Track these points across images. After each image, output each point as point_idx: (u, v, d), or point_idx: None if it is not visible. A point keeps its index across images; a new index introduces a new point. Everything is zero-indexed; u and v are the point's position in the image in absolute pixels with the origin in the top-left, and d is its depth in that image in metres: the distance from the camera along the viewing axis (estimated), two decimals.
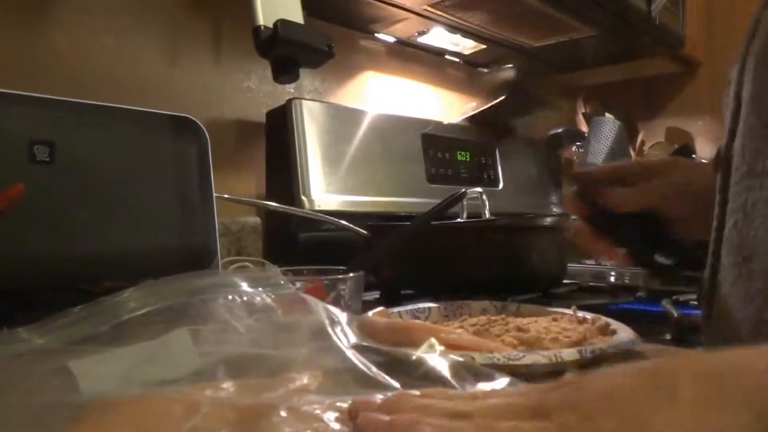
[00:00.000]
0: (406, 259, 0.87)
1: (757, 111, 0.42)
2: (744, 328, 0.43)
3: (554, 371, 0.49)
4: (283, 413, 0.33)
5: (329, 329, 0.44)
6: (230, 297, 0.46)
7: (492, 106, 1.34)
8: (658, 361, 0.29)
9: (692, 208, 0.59)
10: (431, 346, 0.46)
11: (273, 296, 0.48)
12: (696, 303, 0.69)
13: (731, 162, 0.47)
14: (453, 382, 0.40)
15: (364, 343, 0.46)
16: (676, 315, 0.69)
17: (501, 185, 1.43)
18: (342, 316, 0.48)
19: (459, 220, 1.01)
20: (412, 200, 1.18)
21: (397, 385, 0.39)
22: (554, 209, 1.57)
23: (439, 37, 1.36)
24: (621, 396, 0.26)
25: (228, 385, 0.37)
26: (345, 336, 0.45)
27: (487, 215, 1.05)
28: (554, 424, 0.26)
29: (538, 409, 0.28)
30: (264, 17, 0.78)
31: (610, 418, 0.25)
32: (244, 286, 0.48)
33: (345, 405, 0.34)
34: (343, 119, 1.14)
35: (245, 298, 0.46)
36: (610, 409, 0.26)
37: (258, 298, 0.47)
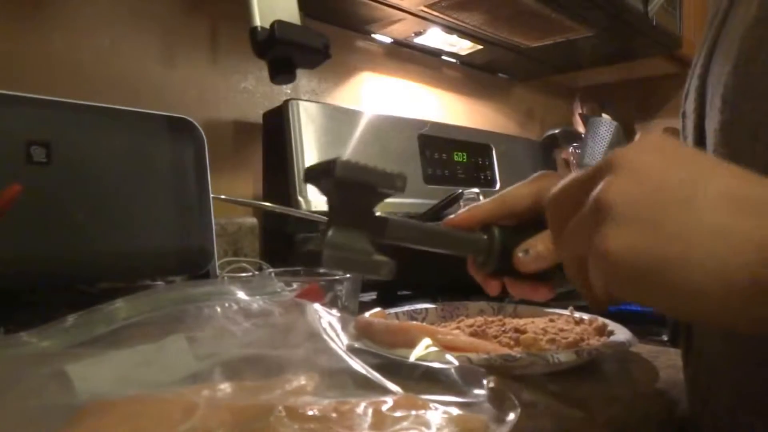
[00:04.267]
0: (403, 260, 0.87)
1: (727, 141, 0.41)
2: (726, 363, 0.43)
3: (551, 372, 0.49)
4: (279, 414, 0.33)
5: (323, 332, 0.44)
6: (226, 304, 0.46)
7: None
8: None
9: None
10: (427, 347, 0.46)
11: (269, 301, 0.48)
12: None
13: None
14: (450, 382, 0.40)
15: (357, 345, 0.46)
16: None
17: (498, 186, 1.43)
18: (337, 317, 0.48)
19: None
20: (408, 201, 1.18)
21: (394, 386, 0.39)
22: None
23: (435, 37, 1.36)
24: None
25: (225, 387, 0.37)
26: (339, 338, 0.45)
27: None
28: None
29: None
30: (261, 18, 0.78)
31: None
32: (240, 294, 0.48)
33: (342, 406, 0.34)
34: (340, 120, 1.14)
35: (241, 305, 0.46)
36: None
37: (255, 305, 0.47)
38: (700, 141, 0.45)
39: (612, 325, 0.58)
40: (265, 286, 0.52)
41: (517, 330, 0.56)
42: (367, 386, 0.39)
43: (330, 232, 0.39)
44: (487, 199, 0.47)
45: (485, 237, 0.45)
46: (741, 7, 0.42)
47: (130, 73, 0.99)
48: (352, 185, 0.38)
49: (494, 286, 0.47)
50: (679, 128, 0.50)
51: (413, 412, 0.35)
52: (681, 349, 0.49)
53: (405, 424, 0.34)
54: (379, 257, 0.41)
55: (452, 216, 0.47)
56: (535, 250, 0.43)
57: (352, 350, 0.44)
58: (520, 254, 0.43)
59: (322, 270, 0.41)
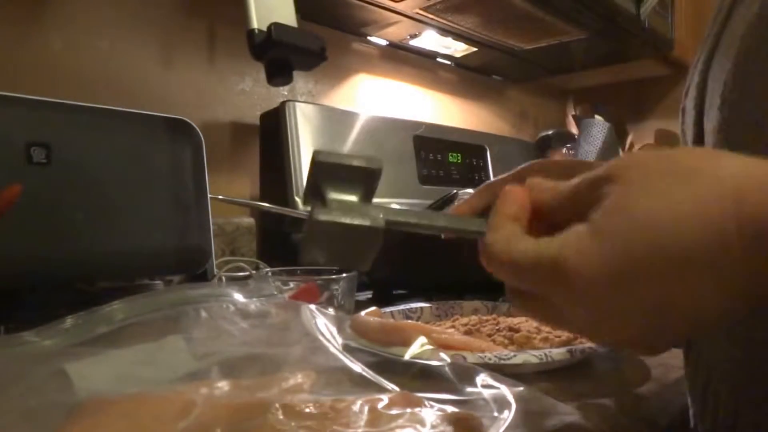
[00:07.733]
0: (399, 260, 0.88)
1: (726, 140, 0.40)
2: (732, 350, 0.42)
3: (544, 371, 0.50)
4: (276, 412, 0.33)
5: (319, 331, 0.45)
6: (224, 305, 0.46)
7: None
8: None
9: None
10: (422, 346, 0.46)
11: (266, 303, 0.48)
12: None
13: None
14: (445, 380, 0.40)
15: (353, 344, 0.47)
16: None
17: None
18: (333, 316, 0.49)
19: None
20: (404, 201, 1.18)
21: (389, 384, 0.40)
22: None
23: (430, 40, 1.37)
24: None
25: (222, 385, 0.38)
26: (335, 337, 0.45)
27: None
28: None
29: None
30: (258, 20, 0.79)
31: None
32: (237, 296, 0.49)
33: (338, 404, 0.35)
34: (336, 121, 1.15)
35: (238, 306, 0.47)
36: None
37: (252, 306, 0.47)
38: (699, 137, 0.45)
39: None
40: (262, 289, 0.52)
41: (510, 329, 0.57)
42: (363, 384, 0.40)
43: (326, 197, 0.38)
44: (475, 189, 0.53)
45: (484, 220, 0.46)
46: (744, 5, 0.42)
47: (129, 74, 1.00)
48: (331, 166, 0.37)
49: None
50: (679, 123, 0.51)
51: (408, 410, 0.35)
52: (682, 348, 0.49)
53: (400, 421, 0.34)
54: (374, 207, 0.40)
55: (453, 207, 0.52)
56: None
57: (348, 349, 0.44)
58: None
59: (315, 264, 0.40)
